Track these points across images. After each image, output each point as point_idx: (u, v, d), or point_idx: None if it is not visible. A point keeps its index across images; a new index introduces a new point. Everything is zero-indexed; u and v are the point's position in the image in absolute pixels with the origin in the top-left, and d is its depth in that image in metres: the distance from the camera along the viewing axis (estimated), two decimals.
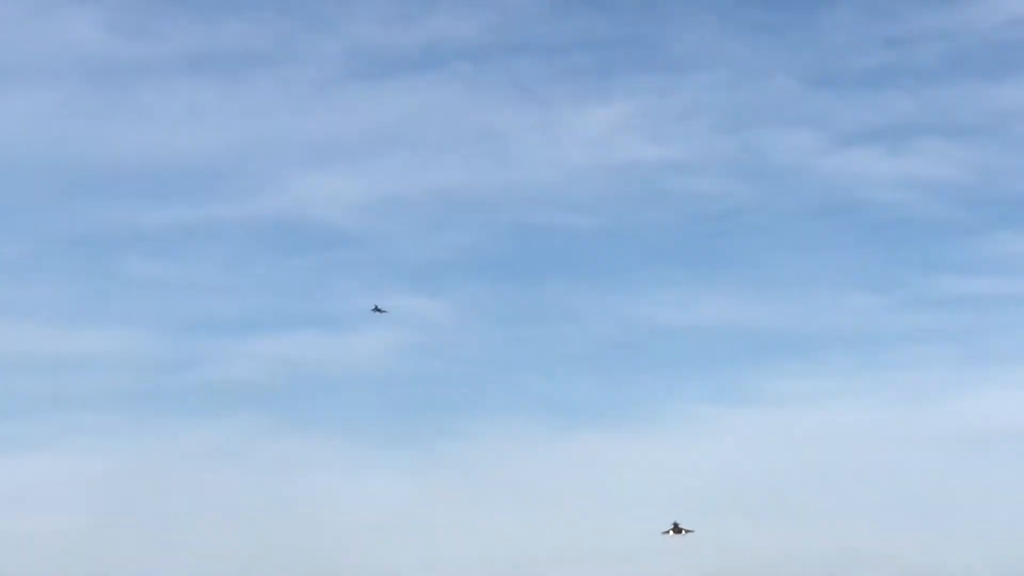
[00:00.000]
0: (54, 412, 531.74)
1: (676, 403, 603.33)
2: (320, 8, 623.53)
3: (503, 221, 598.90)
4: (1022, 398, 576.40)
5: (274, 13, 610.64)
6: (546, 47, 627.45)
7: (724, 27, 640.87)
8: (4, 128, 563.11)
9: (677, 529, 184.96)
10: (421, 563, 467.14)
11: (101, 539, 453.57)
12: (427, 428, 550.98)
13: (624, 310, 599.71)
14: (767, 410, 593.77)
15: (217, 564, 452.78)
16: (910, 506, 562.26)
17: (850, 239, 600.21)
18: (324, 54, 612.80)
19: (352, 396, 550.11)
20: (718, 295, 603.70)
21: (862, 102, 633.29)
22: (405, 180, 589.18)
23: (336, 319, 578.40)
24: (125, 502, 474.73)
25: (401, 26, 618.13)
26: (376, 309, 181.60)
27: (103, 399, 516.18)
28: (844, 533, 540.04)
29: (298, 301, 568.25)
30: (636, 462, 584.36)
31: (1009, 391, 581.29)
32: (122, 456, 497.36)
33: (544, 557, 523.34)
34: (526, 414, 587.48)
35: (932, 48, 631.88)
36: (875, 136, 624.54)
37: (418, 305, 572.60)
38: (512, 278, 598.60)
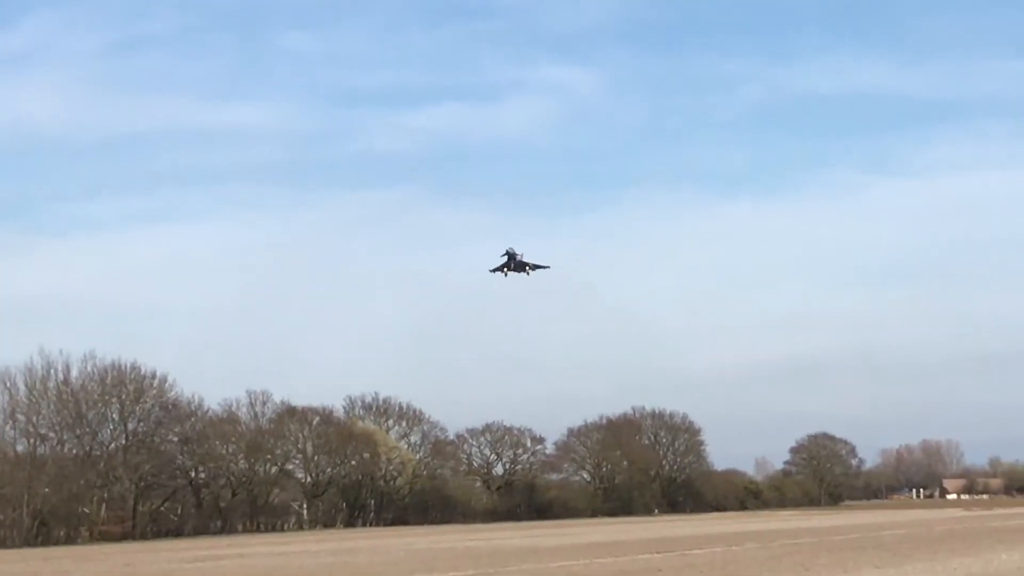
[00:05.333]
0: (210, 184, 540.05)
1: (827, 172, 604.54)
2: None
3: None
4: None
5: None
6: None
7: None
8: None
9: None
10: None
11: (255, 308, 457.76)
12: (576, 199, 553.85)
13: (775, 78, 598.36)
14: (921, 180, 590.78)
15: (365, 331, 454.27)
16: None
17: (1014, 4, 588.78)
18: None
19: (499, 167, 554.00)
20: (872, 61, 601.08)
21: None
22: None
23: (483, 90, 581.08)
24: (279, 272, 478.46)
25: None
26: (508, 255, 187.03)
27: (257, 171, 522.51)
28: (998, 301, 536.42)
29: (445, 72, 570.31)
30: (786, 231, 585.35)
31: None
32: (276, 227, 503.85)
33: (697, 328, 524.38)
34: (675, 184, 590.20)
35: None
36: None
37: (564, 75, 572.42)
38: (661, 46, 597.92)
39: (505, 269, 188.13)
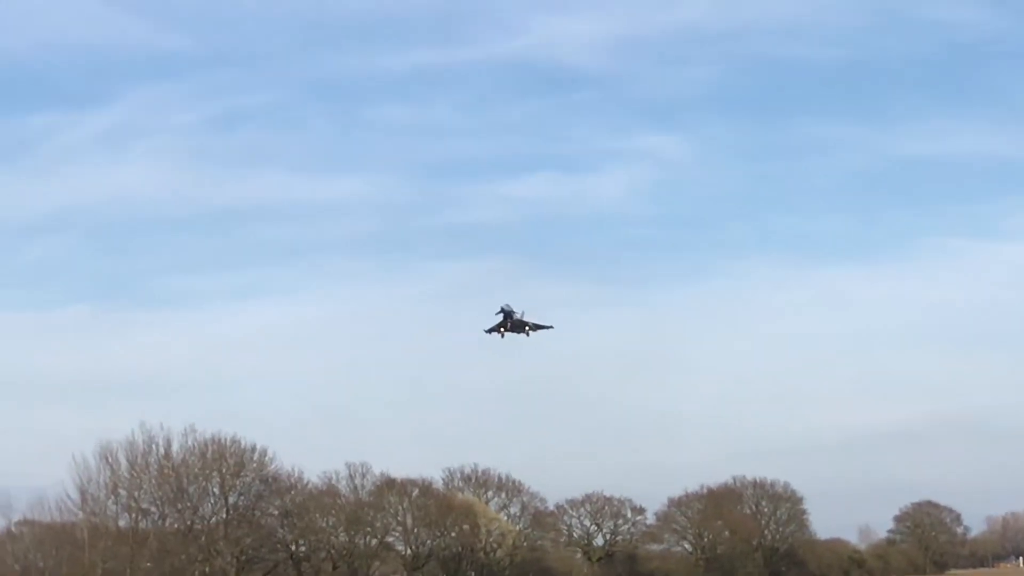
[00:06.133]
0: (308, 256, 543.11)
1: (927, 237, 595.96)
2: None
3: (746, 55, 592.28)
4: None
5: None
6: None
7: None
8: None
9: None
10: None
11: (353, 379, 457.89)
12: (670, 266, 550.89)
13: (873, 143, 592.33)
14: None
15: (462, 401, 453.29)
16: None
17: None
18: None
19: (592, 235, 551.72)
20: (970, 127, 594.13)
21: None
22: (644, 18, 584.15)
23: (576, 159, 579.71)
24: (376, 342, 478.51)
25: None
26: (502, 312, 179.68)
27: (353, 243, 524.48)
28: None
29: (539, 142, 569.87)
30: (889, 296, 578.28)
31: None
32: (373, 298, 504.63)
33: (796, 395, 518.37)
34: (770, 251, 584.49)
35: None
36: None
37: (658, 143, 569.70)
38: (755, 113, 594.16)
39: (502, 329, 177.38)
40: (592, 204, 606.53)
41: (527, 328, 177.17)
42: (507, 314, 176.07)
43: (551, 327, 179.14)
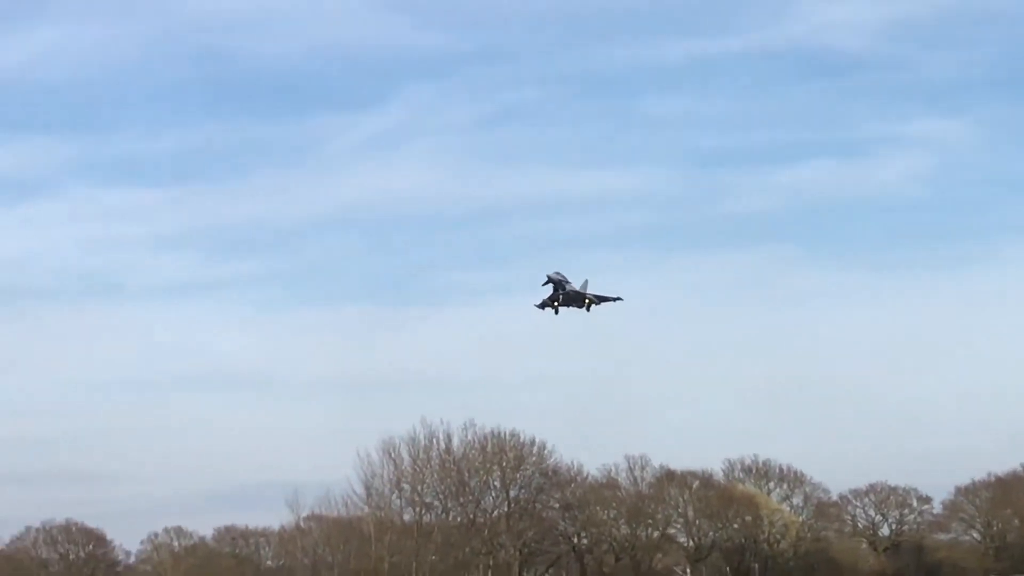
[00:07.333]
0: (579, 251, 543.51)
1: None
2: None
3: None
4: None
5: None
6: None
7: None
8: None
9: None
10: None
11: (630, 372, 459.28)
12: (949, 252, 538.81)
13: None
14: None
15: (740, 391, 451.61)
16: None
17: None
18: None
19: (868, 222, 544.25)
20: None
21: None
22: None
23: (851, 146, 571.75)
24: (650, 335, 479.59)
25: None
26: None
27: (623, 237, 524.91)
28: None
29: (814, 129, 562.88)
30: None
31: None
32: (644, 290, 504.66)
33: None
34: None
35: None
36: None
37: (936, 127, 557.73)
38: None
39: (555, 304, 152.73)
40: (867, 190, 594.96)
41: (586, 301, 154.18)
42: (557, 284, 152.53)
43: (618, 299, 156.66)
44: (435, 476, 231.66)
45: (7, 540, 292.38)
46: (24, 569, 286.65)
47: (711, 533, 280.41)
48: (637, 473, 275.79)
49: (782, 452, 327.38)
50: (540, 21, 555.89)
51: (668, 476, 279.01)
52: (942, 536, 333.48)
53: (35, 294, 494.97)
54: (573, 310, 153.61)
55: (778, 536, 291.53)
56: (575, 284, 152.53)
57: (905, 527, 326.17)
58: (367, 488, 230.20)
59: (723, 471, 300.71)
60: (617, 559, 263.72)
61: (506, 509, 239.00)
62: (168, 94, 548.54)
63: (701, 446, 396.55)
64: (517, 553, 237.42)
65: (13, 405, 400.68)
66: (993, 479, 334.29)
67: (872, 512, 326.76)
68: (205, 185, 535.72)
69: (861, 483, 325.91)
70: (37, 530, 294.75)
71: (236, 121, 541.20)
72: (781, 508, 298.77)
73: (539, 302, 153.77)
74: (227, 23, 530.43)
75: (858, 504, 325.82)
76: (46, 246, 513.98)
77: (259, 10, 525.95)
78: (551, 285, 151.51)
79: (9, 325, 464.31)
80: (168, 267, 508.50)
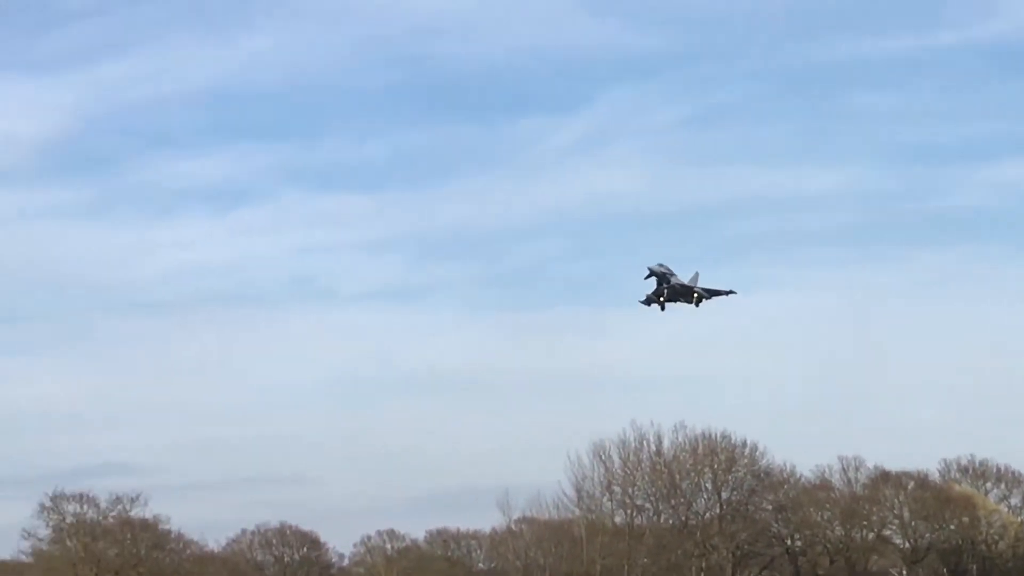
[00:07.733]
0: (786, 251, 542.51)
1: None
2: None
3: None
4: None
5: None
6: None
7: None
8: None
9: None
10: None
11: (840, 371, 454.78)
12: None
13: None
14: None
15: (956, 391, 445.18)
16: None
17: None
18: None
19: None
20: None
21: None
22: None
23: None
24: (861, 334, 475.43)
25: None
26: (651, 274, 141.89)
27: (831, 235, 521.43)
28: None
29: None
30: None
31: None
32: (853, 289, 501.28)
33: None
34: None
35: None
36: None
37: None
38: None
39: (660, 299, 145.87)
40: None
41: (695, 295, 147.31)
42: (660, 277, 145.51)
43: (731, 292, 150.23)
44: (646, 478, 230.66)
45: (223, 543, 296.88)
46: (240, 572, 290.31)
47: (927, 535, 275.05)
48: (851, 474, 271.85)
49: (999, 452, 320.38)
50: (749, 21, 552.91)
51: (883, 477, 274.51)
52: None
53: (247, 300, 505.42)
54: (676, 307, 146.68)
55: (996, 537, 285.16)
56: (681, 277, 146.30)
57: None
58: (578, 490, 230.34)
59: (939, 471, 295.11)
60: (831, 561, 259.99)
61: (718, 511, 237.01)
62: (374, 100, 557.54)
63: (916, 446, 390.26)
64: (730, 555, 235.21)
65: (226, 410, 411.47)
66: None
67: None
68: (411, 190, 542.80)
69: None
70: (252, 533, 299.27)
71: (442, 126, 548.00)
72: (999, 509, 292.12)
73: (643, 298, 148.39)
74: (433, 28, 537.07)
75: None
76: (257, 252, 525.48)
77: (464, 13, 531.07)
78: (654, 279, 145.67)
79: (223, 330, 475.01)
80: (376, 272, 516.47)
